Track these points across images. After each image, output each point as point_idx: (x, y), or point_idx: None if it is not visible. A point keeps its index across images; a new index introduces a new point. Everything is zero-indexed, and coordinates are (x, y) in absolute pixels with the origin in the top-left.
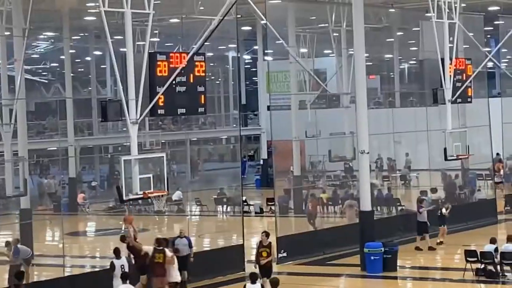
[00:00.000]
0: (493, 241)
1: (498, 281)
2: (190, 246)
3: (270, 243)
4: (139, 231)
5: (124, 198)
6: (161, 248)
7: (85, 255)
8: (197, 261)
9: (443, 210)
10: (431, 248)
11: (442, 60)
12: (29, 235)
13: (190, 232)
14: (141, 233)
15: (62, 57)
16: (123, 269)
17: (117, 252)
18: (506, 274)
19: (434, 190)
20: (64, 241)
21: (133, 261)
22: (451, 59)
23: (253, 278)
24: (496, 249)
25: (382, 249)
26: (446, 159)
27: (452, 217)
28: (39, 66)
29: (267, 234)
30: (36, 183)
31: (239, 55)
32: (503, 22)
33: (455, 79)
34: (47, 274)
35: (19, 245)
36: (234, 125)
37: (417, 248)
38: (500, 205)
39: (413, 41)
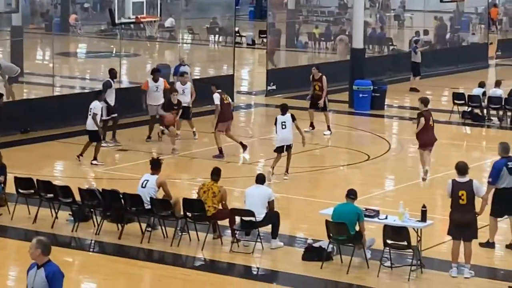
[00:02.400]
0: (481, 84)
1: (483, 125)
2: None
3: (321, 76)
4: (131, 56)
5: (117, 21)
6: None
7: (75, 76)
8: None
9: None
10: (414, 89)
11: None
12: (19, 53)
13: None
14: (132, 58)
15: None
16: None
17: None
18: (491, 118)
19: (426, 32)
20: (55, 61)
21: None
22: None
23: (284, 109)
24: (484, 93)
25: (371, 87)
26: (441, 0)
27: (443, 59)
28: None
29: (317, 68)
30: (28, 1)
31: None
32: None
33: None
34: (37, 92)
35: (4, 61)
36: None
37: (413, 89)
38: (492, 49)
39: None
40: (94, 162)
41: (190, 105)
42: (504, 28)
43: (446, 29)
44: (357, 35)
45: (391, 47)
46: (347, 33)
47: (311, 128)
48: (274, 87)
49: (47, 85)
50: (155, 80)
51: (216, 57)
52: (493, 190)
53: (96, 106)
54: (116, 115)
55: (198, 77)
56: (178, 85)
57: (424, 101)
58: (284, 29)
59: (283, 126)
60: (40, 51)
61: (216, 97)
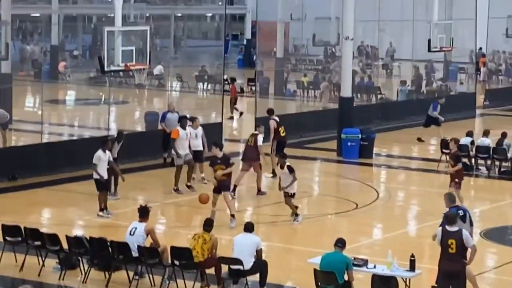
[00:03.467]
0: (469, 134)
1: (471, 174)
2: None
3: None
4: (119, 103)
5: (106, 68)
6: None
7: (63, 123)
8: None
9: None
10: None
11: None
12: (8, 99)
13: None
14: (121, 106)
15: None
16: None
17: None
18: (480, 167)
19: (414, 82)
20: (43, 108)
21: None
22: None
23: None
24: (472, 142)
25: (360, 135)
26: (429, 50)
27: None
28: None
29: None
30: (18, 49)
31: None
32: None
33: None
34: (25, 139)
35: None
36: (220, 3)
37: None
38: (479, 99)
39: None
40: (100, 213)
41: (203, 149)
42: (492, 78)
43: (421, 79)
44: (346, 83)
45: (379, 96)
46: (334, 81)
47: (272, 174)
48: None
49: (36, 132)
50: (184, 127)
51: (205, 105)
52: None
53: (96, 156)
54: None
55: None
56: (190, 130)
57: (457, 142)
58: (272, 77)
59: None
60: (29, 98)
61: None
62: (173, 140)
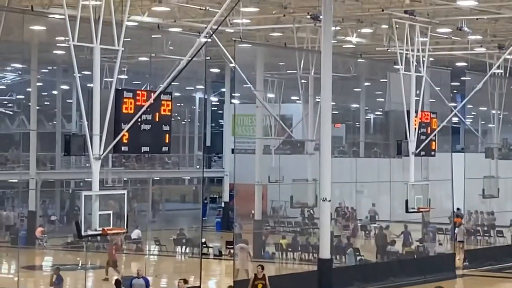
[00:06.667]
0: None
1: None
2: (147, 286)
3: (264, 275)
4: (97, 268)
5: (83, 233)
6: None
7: None
8: None
9: None
10: None
11: (408, 112)
12: None
13: (147, 271)
14: (98, 270)
15: (29, 89)
16: None
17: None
18: None
19: (393, 242)
20: (20, 275)
21: None
22: (416, 111)
23: None
24: None
25: None
26: (407, 211)
27: (411, 270)
28: (5, 98)
29: (262, 267)
30: None
31: (206, 97)
32: (469, 78)
33: (419, 132)
34: None
35: None
36: (198, 167)
37: None
38: (459, 260)
39: (380, 92)
40: None
41: None
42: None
43: (385, 240)
44: (324, 245)
45: (358, 258)
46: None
47: None
48: None
49: None
50: None
51: (183, 268)
52: None
53: None
54: None
55: None
56: None
57: None
58: (251, 240)
59: None
60: (5, 264)
61: None
62: None
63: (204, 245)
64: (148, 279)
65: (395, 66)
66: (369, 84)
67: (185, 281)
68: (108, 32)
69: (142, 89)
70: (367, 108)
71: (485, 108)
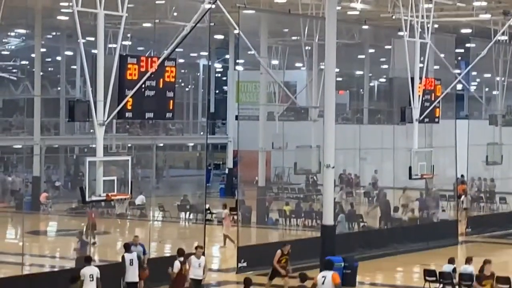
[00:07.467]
0: (451, 261)
1: None
2: (144, 252)
3: (289, 251)
4: (101, 233)
5: (87, 199)
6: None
7: (44, 255)
8: (157, 267)
9: None
10: None
11: (412, 79)
12: None
13: (151, 237)
14: (102, 236)
15: (33, 55)
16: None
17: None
18: None
19: (396, 209)
20: (24, 240)
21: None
22: (421, 78)
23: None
24: (454, 270)
25: (342, 263)
26: (410, 177)
27: (414, 236)
28: (9, 63)
29: (288, 245)
30: None
31: (210, 63)
32: (474, 44)
33: (423, 98)
34: (5, 271)
35: None
36: (202, 133)
37: None
38: (462, 226)
39: (384, 59)
40: None
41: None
42: (473, 205)
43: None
44: (327, 211)
45: (361, 224)
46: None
47: None
48: (245, 264)
49: (16, 264)
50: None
51: (187, 234)
52: None
53: None
54: None
55: (169, 255)
56: (193, 259)
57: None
58: (254, 206)
59: None
60: (10, 229)
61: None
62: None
63: (208, 211)
64: (144, 245)
65: (399, 33)
66: (373, 51)
67: (201, 247)
68: None
69: (146, 55)
70: (371, 75)
71: (490, 75)
